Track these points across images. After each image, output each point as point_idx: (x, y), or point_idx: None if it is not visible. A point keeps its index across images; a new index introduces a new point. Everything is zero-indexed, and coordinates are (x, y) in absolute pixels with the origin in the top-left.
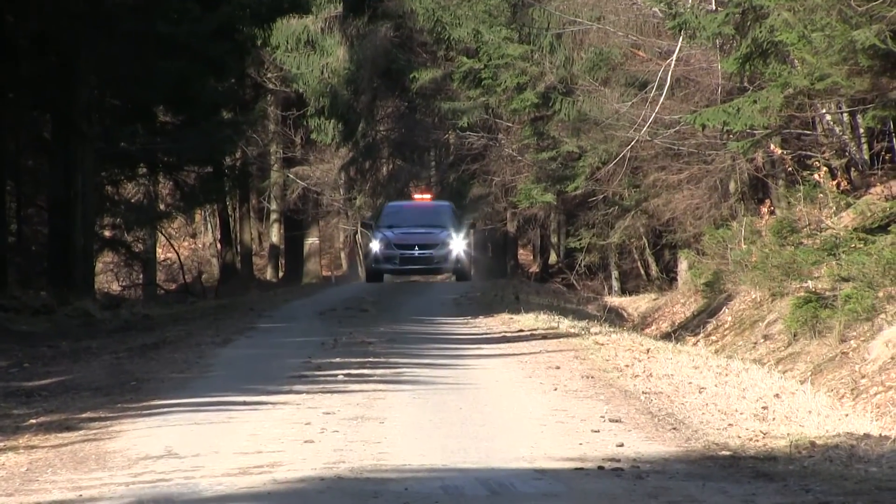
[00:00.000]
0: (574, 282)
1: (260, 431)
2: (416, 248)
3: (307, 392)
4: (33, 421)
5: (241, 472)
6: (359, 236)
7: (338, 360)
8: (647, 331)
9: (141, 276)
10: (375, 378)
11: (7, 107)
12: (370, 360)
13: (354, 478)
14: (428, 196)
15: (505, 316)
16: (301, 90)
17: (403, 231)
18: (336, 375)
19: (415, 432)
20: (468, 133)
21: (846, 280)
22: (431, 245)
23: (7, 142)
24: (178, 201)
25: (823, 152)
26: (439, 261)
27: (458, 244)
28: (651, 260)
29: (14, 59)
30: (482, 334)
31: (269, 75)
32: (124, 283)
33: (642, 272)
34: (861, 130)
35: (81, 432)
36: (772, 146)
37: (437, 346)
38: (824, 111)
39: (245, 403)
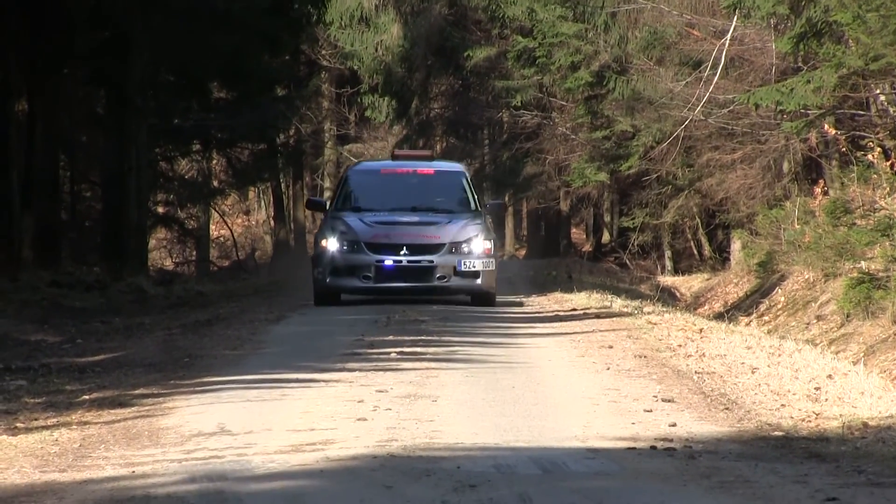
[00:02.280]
0: (627, 261)
1: (313, 409)
2: (405, 250)
3: (360, 370)
4: (86, 397)
5: (294, 450)
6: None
7: (391, 337)
8: (700, 311)
9: (194, 252)
10: (428, 356)
11: (61, 81)
12: (423, 338)
13: (407, 456)
14: (426, 153)
15: (558, 295)
16: (355, 67)
17: (381, 219)
18: (389, 353)
19: (467, 411)
20: (522, 111)
21: None
22: (433, 247)
23: (61, 116)
24: (232, 178)
25: (877, 133)
26: (445, 275)
27: (478, 243)
28: (704, 240)
29: (69, 33)
30: (535, 313)
31: (323, 52)
32: (177, 260)
33: (695, 252)
34: None
35: (134, 409)
36: (825, 126)
37: (490, 324)
38: (878, 92)
39: (298, 381)
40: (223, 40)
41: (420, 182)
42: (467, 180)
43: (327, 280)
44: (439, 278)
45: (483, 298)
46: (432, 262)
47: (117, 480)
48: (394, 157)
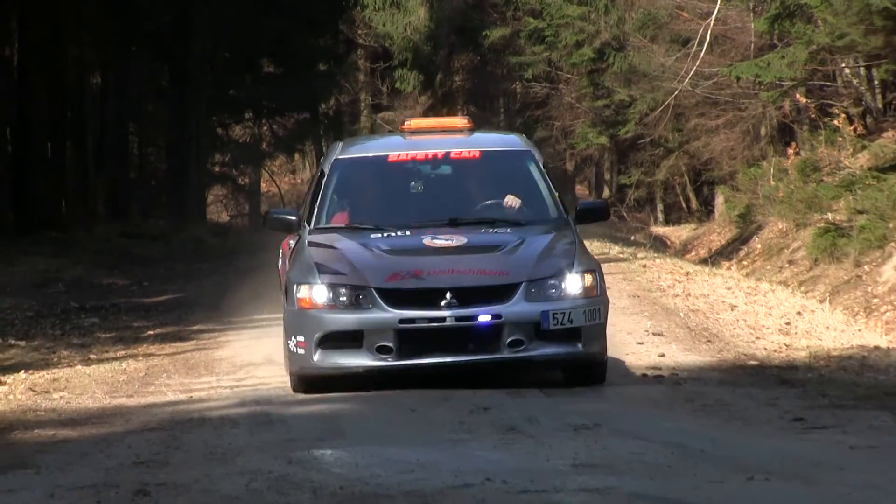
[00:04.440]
0: (624, 214)
1: None
2: (450, 299)
3: None
4: (151, 332)
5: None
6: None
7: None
8: (688, 256)
9: (247, 206)
10: None
11: (130, 58)
12: None
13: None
14: (459, 123)
15: None
16: (387, 45)
17: (400, 244)
18: None
19: None
20: (533, 83)
21: (861, 212)
22: (498, 290)
23: (130, 89)
24: (279, 143)
25: (842, 101)
26: (521, 338)
27: (574, 279)
28: (692, 194)
29: (136, 16)
30: None
31: (359, 32)
32: (232, 213)
33: (684, 205)
34: (875, 82)
35: (193, 342)
36: (797, 96)
37: None
38: (843, 65)
39: None
40: (273, 23)
41: (458, 173)
42: (539, 165)
43: (314, 358)
44: (511, 345)
45: (586, 373)
46: (499, 317)
47: (177, 405)
48: (405, 131)
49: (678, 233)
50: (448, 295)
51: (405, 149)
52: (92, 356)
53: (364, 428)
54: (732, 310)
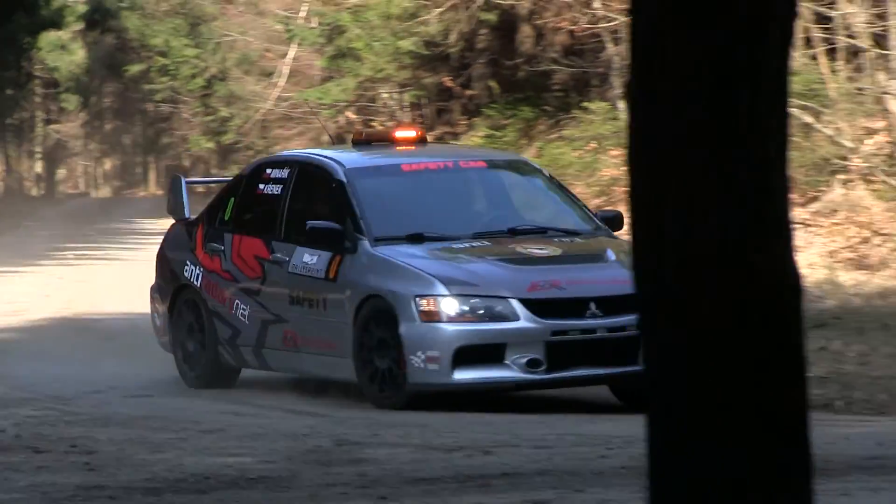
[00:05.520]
0: None
1: (16, 290)
2: (595, 309)
3: (48, 265)
4: None
5: (3, 315)
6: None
7: (71, 244)
8: None
9: None
10: (96, 256)
11: None
12: (97, 243)
13: (75, 318)
14: (412, 135)
15: None
16: (56, 76)
17: (502, 252)
18: (67, 255)
19: (117, 292)
20: (161, 104)
21: None
22: (631, 300)
23: None
24: None
25: (381, 118)
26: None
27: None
28: None
29: None
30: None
31: (36, 67)
32: None
33: None
34: (406, 103)
35: None
36: (349, 113)
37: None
38: (383, 91)
39: (8, 272)
40: None
41: (474, 184)
42: (545, 174)
43: (454, 375)
44: (631, 355)
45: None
46: (633, 324)
47: None
48: (357, 142)
49: None
50: (592, 305)
51: (408, 161)
52: None
53: (27, 350)
54: None
